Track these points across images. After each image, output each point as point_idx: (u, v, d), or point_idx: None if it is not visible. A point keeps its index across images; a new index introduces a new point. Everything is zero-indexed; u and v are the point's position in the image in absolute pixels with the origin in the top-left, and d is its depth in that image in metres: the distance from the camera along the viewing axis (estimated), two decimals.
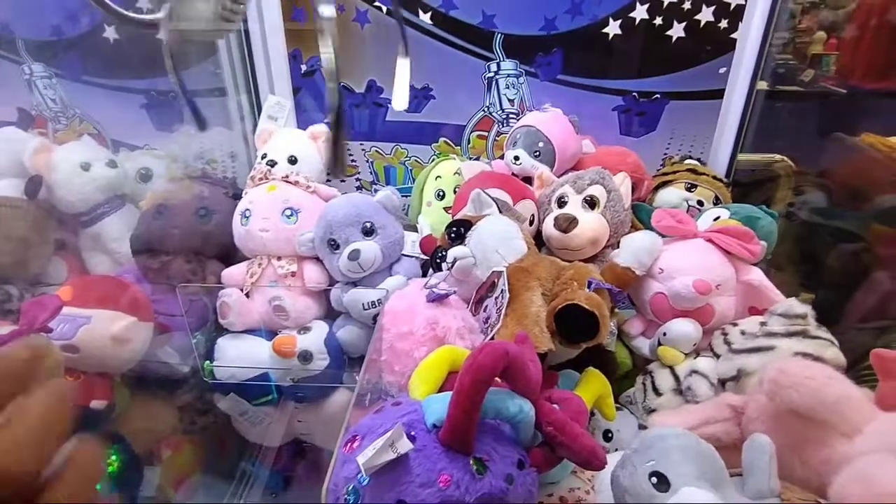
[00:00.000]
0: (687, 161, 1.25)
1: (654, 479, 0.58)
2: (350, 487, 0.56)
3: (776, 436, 0.65)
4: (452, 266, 0.87)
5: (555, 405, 0.69)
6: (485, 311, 0.86)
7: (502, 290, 0.81)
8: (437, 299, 0.83)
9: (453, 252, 0.87)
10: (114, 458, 0.93)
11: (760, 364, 0.78)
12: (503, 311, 0.79)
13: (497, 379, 0.59)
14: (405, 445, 0.54)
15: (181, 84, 0.80)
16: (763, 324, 0.85)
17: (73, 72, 1.36)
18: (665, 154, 1.32)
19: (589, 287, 0.79)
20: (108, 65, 1.34)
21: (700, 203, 1.16)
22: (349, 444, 0.60)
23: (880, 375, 0.69)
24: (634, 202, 1.15)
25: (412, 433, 0.57)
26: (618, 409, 0.97)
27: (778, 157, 1.41)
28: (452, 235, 0.92)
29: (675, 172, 1.20)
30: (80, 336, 0.90)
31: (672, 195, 1.18)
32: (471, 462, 0.56)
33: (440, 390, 0.67)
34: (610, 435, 0.93)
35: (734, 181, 1.29)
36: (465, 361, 0.56)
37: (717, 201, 1.17)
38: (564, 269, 0.87)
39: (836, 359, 0.77)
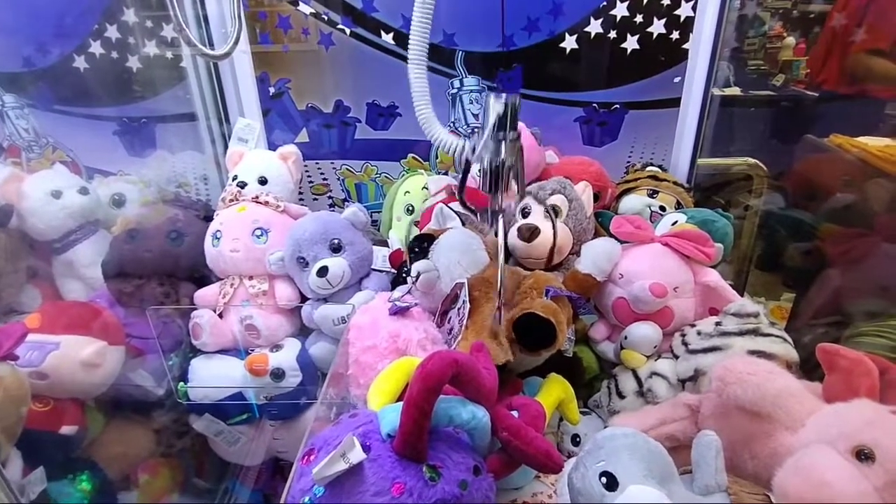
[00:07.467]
0: (648, 168, 1.29)
1: (604, 479, 0.59)
2: (306, 500, 0.57)
3: (727, 432, 0.67)
4: (417, 280, 0.89)
5: (513, 411, 0.71)
6: (448, 322, 0.87)
7: (464, 301, 0.83)
8: (399, 312, 0.84)
9: (417, 266, 0.89)
10: (85, 484, 0.93)
11: (715, 363, 0.81)
12: (465, 323, 0.81)
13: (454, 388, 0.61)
14: (358, 455, 0.55)
15: None
16: (718, 324, 0.87)
17: (45, 101, 1.37)
18: (628, 162, 1.36)
19: (546, 295, 0.81)
20: (79, 94, 1.36)
21: (662, 208, 1.19)
22: (306, 457, 0.61)
23: (826, 369, 0.71)
24: (599, 210, 1.18)
25: (367, 443, 0.58)
26: (586, 413, 0.99)
27: (750, 159, 1.45)
28: (416, 250, 0.94)
29: (637, 179, 1.23)
30: (48, 362, 0.91)
31: (635, 202, 1.21)
32: (424, 469, 0.57)
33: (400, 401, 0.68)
34: (578, 439, 0.94)
35: (696, 185, 1.33)
36: (415, 370, 0.57)
37: (678, 206, 1.20)
38: (525, 279, 0.89)
39: (788, 354, 0.80)
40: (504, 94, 0.74)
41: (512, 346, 0.78)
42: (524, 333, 0.78)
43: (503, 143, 0.76)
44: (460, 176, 0.84)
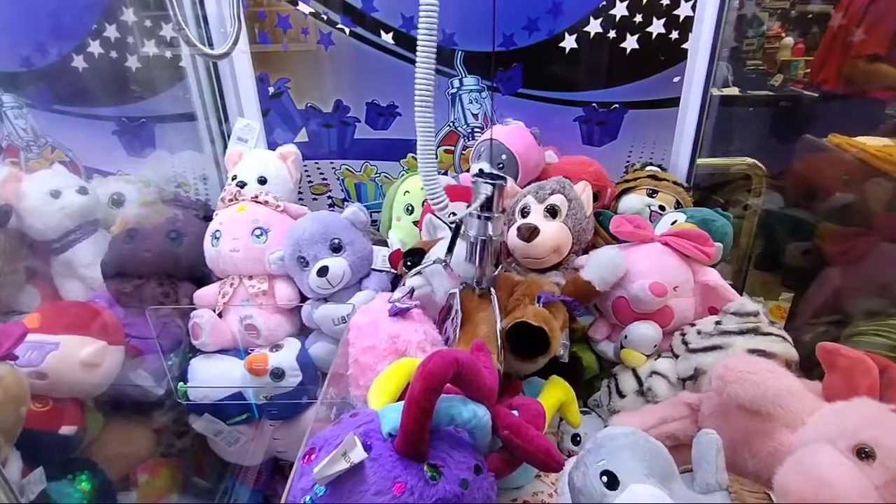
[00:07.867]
0: (648, 168, 1.29)
1: (605, 478, 0.59)
2: (307, 499, 0.57)
3: (727, 431, 0.67)
4: (411, 296, 0.89)
5: (514, 411, 0.71)
6: (445, 332, 0.87)
7: (455, 311, 0.83)
8: (399, 313, 0.84)
9: (410, 283, 0.89)
10: (85, 484, 0.93)
11: (715, 362, 0.81)
12: (458, 333, 0.81)
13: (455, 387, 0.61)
14: (359, 455, 0.55)
15: None
16: (718, 323, 0.87)
17: (44, 101, 1.37)
18: (627, 161, 1.35)
19: (538, 302, 0.81)
20: (77, 93, 1.36)
21: (661, 208, 1.19)
22: (307, 457, 0.60)
23: (826, 368, 0.71)
24: (598, 209, 1.18)
25: (368, 442, 0.58)
26: (586, 412, 0.99)
27: (749, 159, 1.45)
28: (408, 265, 0.94)
29: (636, 179, 1.23)
30: (48, 362, 0.90)
31: (634, 201, 1.21)
32: (425, 468, 0.57)
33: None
34: (578, 439, 0.94)
35: (696, 184, 1.33)
36: (416, 370, 0.57)
37: (678, 205, 1.20)
38: (518, 285, 0.88)
39: (788, 353, 0.80)
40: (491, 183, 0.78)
41: (506, 353, 0.79)
42: (517, 342, 0.78)
43: (489, 221, 0.79)
44: (448, 241, 0.86)
